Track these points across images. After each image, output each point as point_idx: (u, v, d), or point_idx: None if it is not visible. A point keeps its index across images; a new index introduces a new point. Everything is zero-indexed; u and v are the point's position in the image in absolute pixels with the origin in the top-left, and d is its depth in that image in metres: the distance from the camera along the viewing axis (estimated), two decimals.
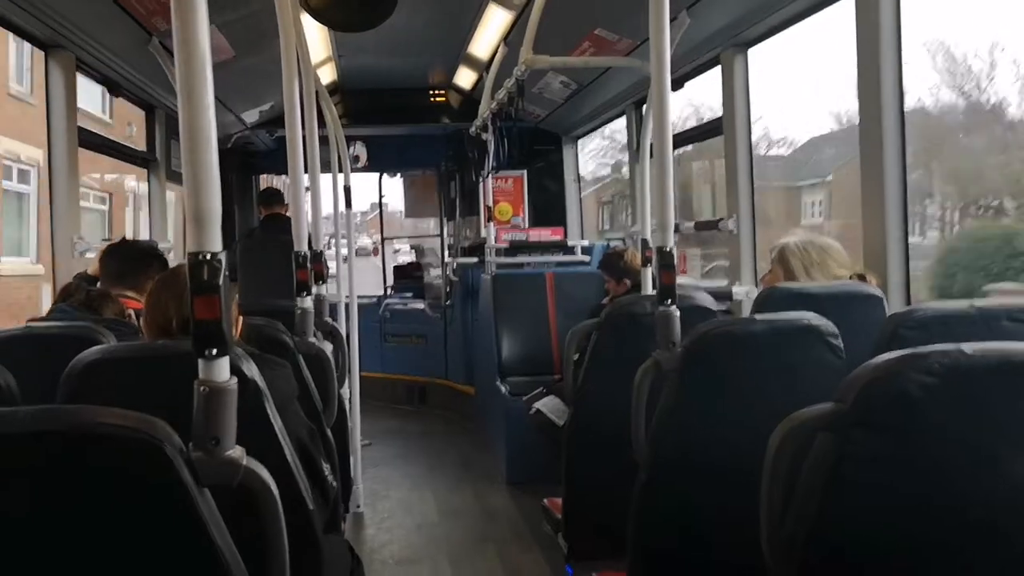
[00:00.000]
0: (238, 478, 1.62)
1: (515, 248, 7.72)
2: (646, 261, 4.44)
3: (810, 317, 2.73)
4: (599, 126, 8.63)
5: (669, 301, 2.77)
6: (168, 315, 2.52)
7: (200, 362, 1.60)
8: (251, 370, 2.15)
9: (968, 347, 1.77)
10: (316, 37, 6.62)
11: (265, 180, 10.89)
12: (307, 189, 4.58)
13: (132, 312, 3.55)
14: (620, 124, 7.57)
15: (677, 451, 2.77)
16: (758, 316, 2.89)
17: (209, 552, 1.60)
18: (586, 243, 8.06)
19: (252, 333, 3.08)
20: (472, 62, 7.89)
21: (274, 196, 7.85)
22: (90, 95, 8.86)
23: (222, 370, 1.60)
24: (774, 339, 2.72)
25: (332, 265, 6.08)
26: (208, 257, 1.58)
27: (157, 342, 2.52)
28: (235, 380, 1.62)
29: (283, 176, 10.93)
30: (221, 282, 1.58)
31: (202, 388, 1.59)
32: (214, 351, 1.59)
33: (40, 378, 2.27)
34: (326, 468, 2.81)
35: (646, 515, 2.84)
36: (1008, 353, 1.78)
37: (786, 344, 2.73)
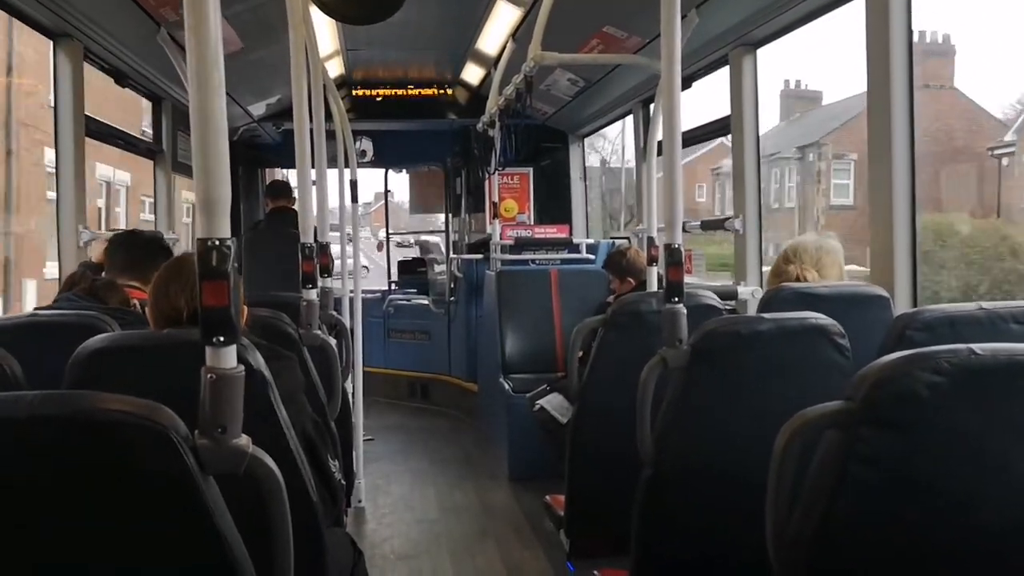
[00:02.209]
0: (243, 466, 1.61)
1: (520, 245, 7.73)
2: (652, 259, 4.44)
3: (817, 317, 2.73)
4: (606, 124, 8.64)
5: (676, 299, 2.77)
6: (178, 306, 2.51)
7: (207, 349, 1.59)
8: (257, 361, 2.14)
9: (978, 347, 1.77)
10: (324, 30, 6.62)
11: (270, 173, 10.88)
12: (313, 183, 4.58)
13: (137, 302, 3.55)
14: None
15: (682, 448, 2.77)
16: (765, 315, 2.88)
17: (214, 540, 1.59)
18: (591, 241, 8.07)
19: (257, 325, 3.07)
20: (480, 58, 7.88)
21: (282, 189, 7.84)
22: None
23: (229, 358, 1.59)
24: (781, 338, 2.71)
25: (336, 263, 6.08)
26: (217, 243, 1.58)
27: (163, 331, 2.51)
28: (242, 368, 1.61)
29: (288, 169, 10.92)
30: (230, 269, 1.57)
31: (209, 375, 1.58)
32: (222, 338, 1.58)
33: (45, 366, 2.27)
34: (333, 464, 2.81)
35: (650, 512, 2.83)
36: (1018, 353, 1.77)
37: (793, 343, 2.72)
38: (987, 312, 2.53)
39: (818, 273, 3.68)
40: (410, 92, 9.09)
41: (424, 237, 12.02)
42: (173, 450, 1.52)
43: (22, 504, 1.55)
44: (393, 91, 9.07)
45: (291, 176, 12.00)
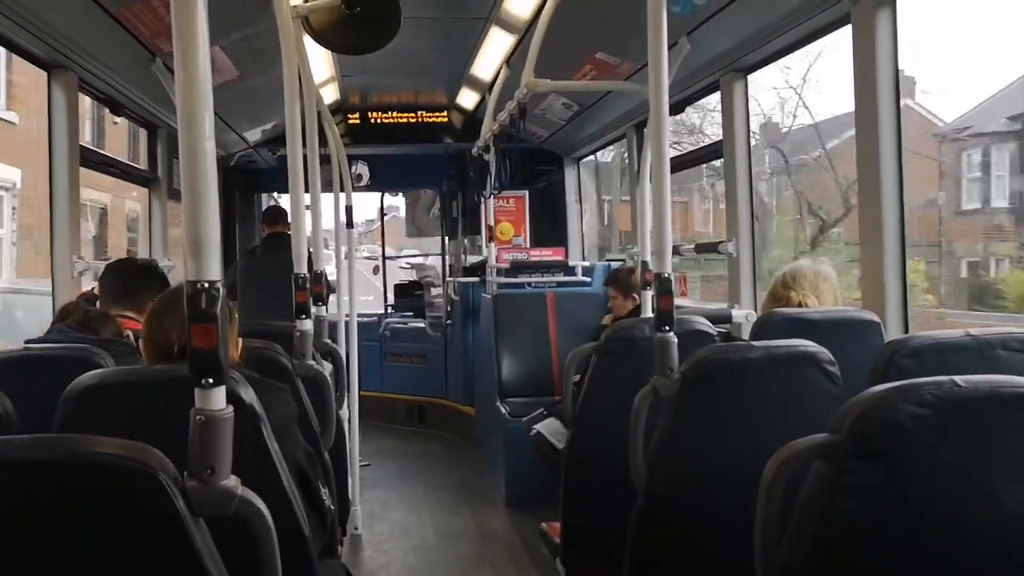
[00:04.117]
0: (233, 508, 1.62)
1: (516, 268, 7.74)
2: (646, 283, 4.46)
3: (806, 345, 2.75)
4: (601, 147, 8.66)
5: (667, 327, 2.78)
6: (170, 340, 2.52)
7: (196, 391, 1.60)
8: (248, 395, 2.15)
9: (960, 379, 1.79)
10: (319, 57, 6.65)
11: (267, 198, 10.90)
12: (308, 208, 4.58)
13: (130, 333, 3.54)
14: None
15: (674, 476, 2.78)
16: (755, 343, 2.90)
17: None
18: (587, 263, 8.09)
19: (250, 356, 3.08)
20: (474, 83, 7.92)
21: (278, 214, 7.86)
22: None
23: (218, 399, 1.61)
24: (771, 366, 2.73)
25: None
26: (206, 286, 1.59)
27: (155, 367, 2.52)
28: (231, 409, 1.62)
29: (286, 194, 10.93)
30: (219, 311, 1.59)
31: (198, 417, 1.59)
32: (211, 380, 1.59)
33: (37, 399, 2.27)
34: (323, 492, 2.81)
35: (643, 540, 2.85)
36: (999, 385, 1.79)
37: (783, 371, 2.74)
38: (974, 339, 2.55)
39: (816, 299, 3.71)
40: (405, 117, 9.12)
41: (420, 260, 12.03)
42: (162, 492, 1.53)
43: (13, 546, 1.56)
44: (389, 116, 9.10)
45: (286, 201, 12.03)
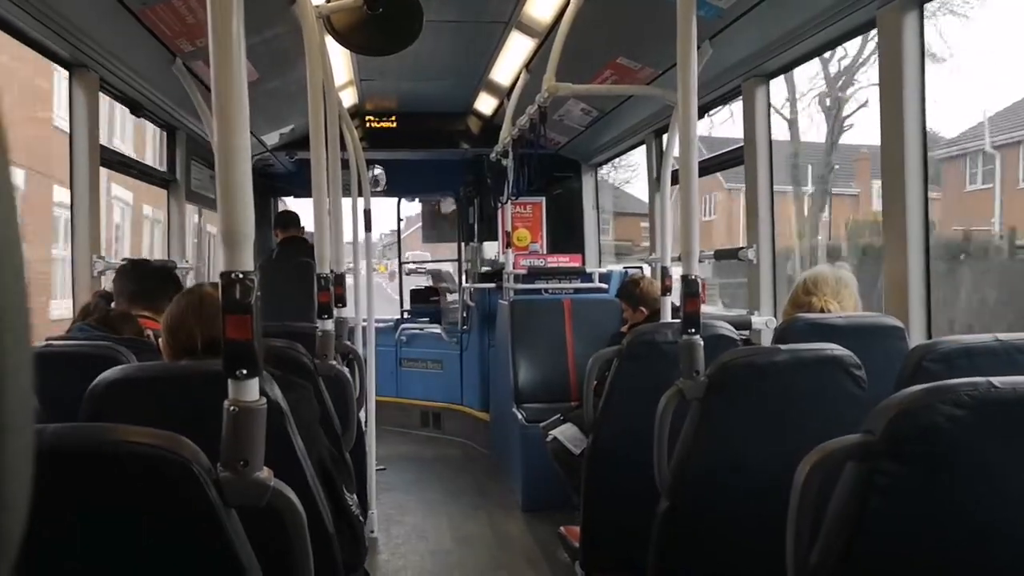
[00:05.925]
0: (265, 499, 1.61)
1: (533, 274, 7.73)
2: (666, 289, 4.44)
3: (833, 348, 2.73)
4: (619, 154, 8.65)
5: (693, 330, 2.77)
6: (194, 336, 2.51)
7: (230, 382, 1.59)
8: (274, 391, 2.14)
9: (997, 380, 1.76)
10: (338, 61, 6.66)
11: (281, 203, 10.90)
12: (328, 212, 4.57)
13: (151, 332, 3.54)
14: None
15: (699, 480, 2.76)
16: (781, 346, 2.88)
17: (235, 572, 1.59)
18: (604, 270, 8.07)
19: (272, 355, 3.06)
20: (493, 88, 7.91)
21: (291, 219, 7.88)
22: None
23: (252, 390, 1.60)
24: (797, 369, 2.71)
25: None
26: (241, 276, 1.58)
27: (180, 362, 2.51)
28: (264, 400, 1.61)
29: (298, 199, 10.91)
30: (253, 302, 1.58)
31: (232, 408, 1.58)
32: (244, 371, 1.58)
33: (59, 396, 2.25)
34: (351, 499, 2.79)
35: (667, 544, 2.82)
36: None
37: (809, 374, 2.72)
38: (1003, 343, 2.52)
39: (838, 304, 3.69)
40: (423, 121, 9.11)
41: (437, 266, 12.02)
42: (196, 483, 1.52)
43: (44, 537, 1.55)
44: (406, 121, 9.09)
45: (298, 205, 12.03)
